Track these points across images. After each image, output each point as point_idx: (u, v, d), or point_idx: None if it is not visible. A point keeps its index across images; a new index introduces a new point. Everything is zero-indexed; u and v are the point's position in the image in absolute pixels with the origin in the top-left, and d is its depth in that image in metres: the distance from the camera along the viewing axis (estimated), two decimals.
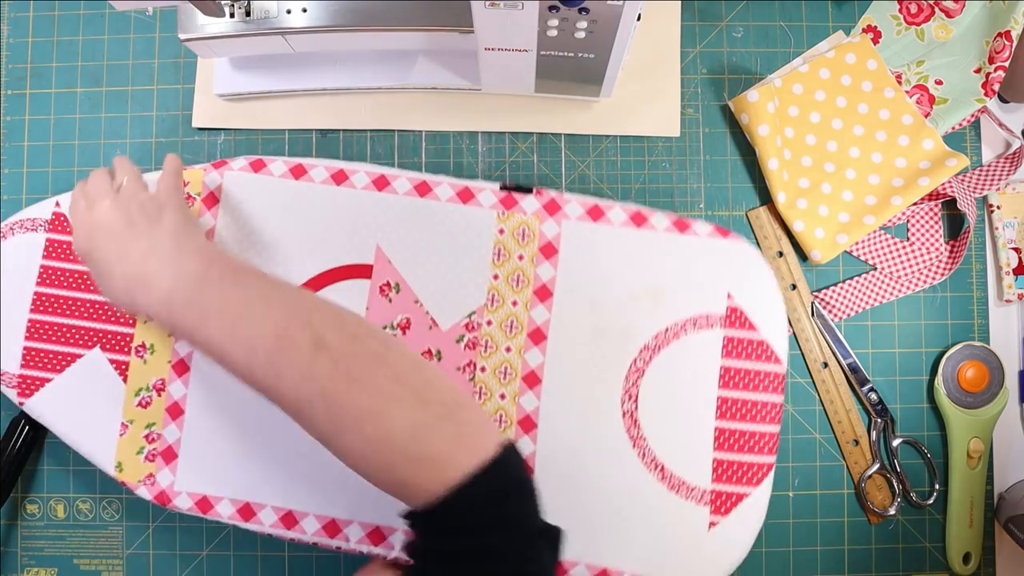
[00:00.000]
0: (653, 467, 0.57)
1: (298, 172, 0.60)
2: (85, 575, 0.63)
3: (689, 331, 0.58)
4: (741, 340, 0.58)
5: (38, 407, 0.59)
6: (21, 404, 0.60)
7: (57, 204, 0.61)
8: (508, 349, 0.58)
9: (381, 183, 0.60)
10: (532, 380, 0.58)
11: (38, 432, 0.63)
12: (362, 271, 0.59)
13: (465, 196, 0.60)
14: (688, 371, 0.58)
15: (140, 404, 0.59)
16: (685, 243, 0.58)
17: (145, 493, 0.59)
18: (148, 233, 0.48)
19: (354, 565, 0.62)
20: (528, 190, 0.60)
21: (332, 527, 0.57)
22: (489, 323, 0.59)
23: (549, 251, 0.59)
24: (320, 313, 0.44)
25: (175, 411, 0.59)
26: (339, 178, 0.60)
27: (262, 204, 0.60)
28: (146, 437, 0.59)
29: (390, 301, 0.59)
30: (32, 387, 0.59)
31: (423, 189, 0.60)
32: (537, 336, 0.58)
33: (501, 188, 0.60)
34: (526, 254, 0.59)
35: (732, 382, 0.58)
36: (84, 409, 0.59)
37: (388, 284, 0.59)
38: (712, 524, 0.57)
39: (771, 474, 0.57)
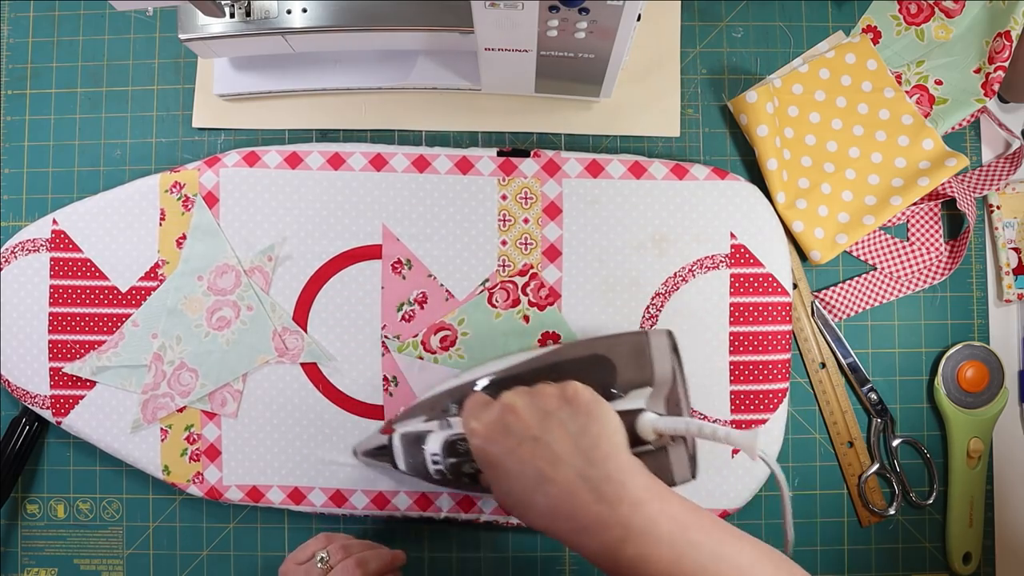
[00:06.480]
0: None
1: (293, 161, 0.60)
2: (85, 575, 0.63)
3: (697, 274, 0.60)
4: (747, 276, 0.60)
5: (76, 424, 0.60)
6: (59, 423, 0.60)
7: (54, 222, 0.61)
8: None
9: (379, 162, 0.60)
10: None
11: (38, 432, 0.62)
12: (372, 251, 0.60)
13: (464, 166, 0.60)
14: (699, 312, 0.60)
15: (175, 408, 0.60)
16: (685, 188, 0.60)
17: (196, 491, 0.60)
18: None
19: None
20: (526, 153, 0.61)
21: (381, 499, 0.60)
22: None
23: (553, 211, 0.60)
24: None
25: (210, 411, 0.60)
26: (336, 162, 0.60)
27: (263, 198, 0.61)
28: (187, 439, 0.60)
29: (404, 278, 0.60)
30: (67, 406, 0.60)
31: (421, 164, 0.60)
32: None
33: (499, 154, 0.61)
34: (531, 217, 0.60)
35: (742, 317, 0.60)
36: (122, 420, 0.60)
37: (399, 261, 0.60)
38: (735, 452, 0.59)
39: (786, 399, 0.60)
